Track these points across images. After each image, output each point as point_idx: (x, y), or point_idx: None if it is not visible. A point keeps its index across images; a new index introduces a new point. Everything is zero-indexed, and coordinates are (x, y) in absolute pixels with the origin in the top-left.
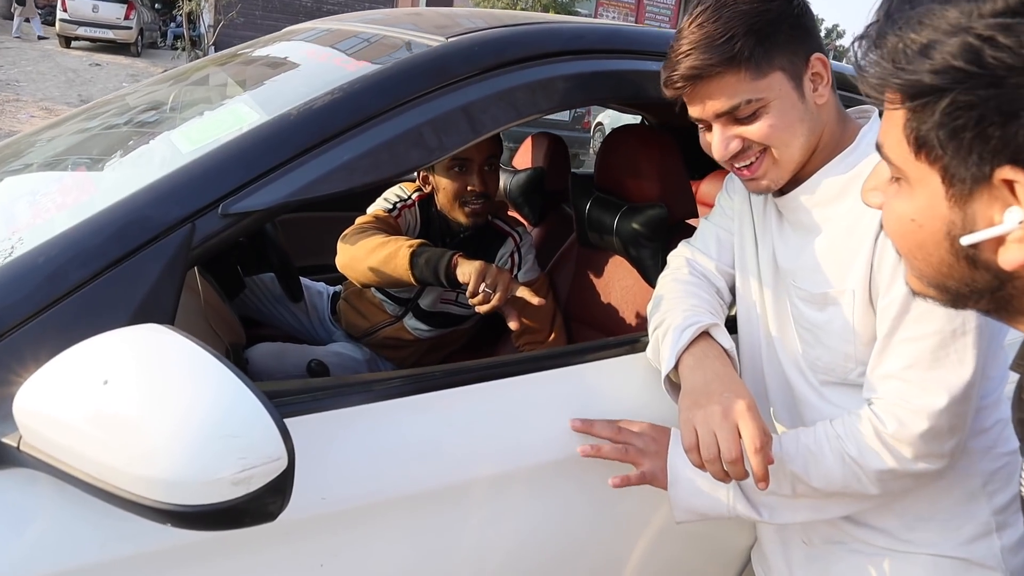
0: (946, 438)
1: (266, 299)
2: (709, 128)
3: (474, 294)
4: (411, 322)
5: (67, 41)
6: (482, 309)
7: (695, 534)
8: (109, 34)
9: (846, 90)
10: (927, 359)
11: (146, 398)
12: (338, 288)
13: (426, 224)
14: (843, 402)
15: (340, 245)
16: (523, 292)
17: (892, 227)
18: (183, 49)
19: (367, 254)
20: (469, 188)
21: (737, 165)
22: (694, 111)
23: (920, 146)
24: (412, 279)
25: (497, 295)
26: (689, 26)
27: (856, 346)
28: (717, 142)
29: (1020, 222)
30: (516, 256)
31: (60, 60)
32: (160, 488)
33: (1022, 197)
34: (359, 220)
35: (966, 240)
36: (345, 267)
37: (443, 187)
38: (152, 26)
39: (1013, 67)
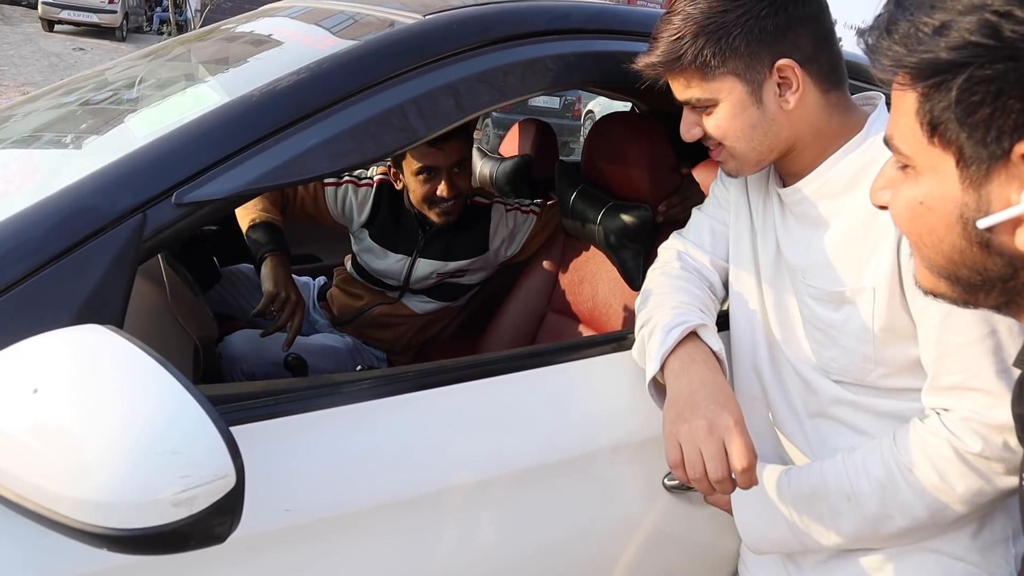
0: None
1: (243, 290)
2: None
3: (264, 311)
4: (411, 299)
5: (50, 25)
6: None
7: (684, 539)
8: (93, 18)
9: (855, 78)
10: (991, 364)
11: (78, 408)
12: (321, 279)
13: (393, 211)
14: (867, 401)
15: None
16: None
17: (900, 212)
18: (169, 34)
19: (242, 212)
20: (439, 194)
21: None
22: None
23: (934, 128)
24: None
25: (283, 319)
26: (663, 17)
27: (875, 347)
28: (682, 125)
29: None
30: (515, 212)
31: (43, 44)
32: (92, 510)
33: None
34: None
35: (983, 223)
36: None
37: (412, 189)
38: (138, 10)
39: None
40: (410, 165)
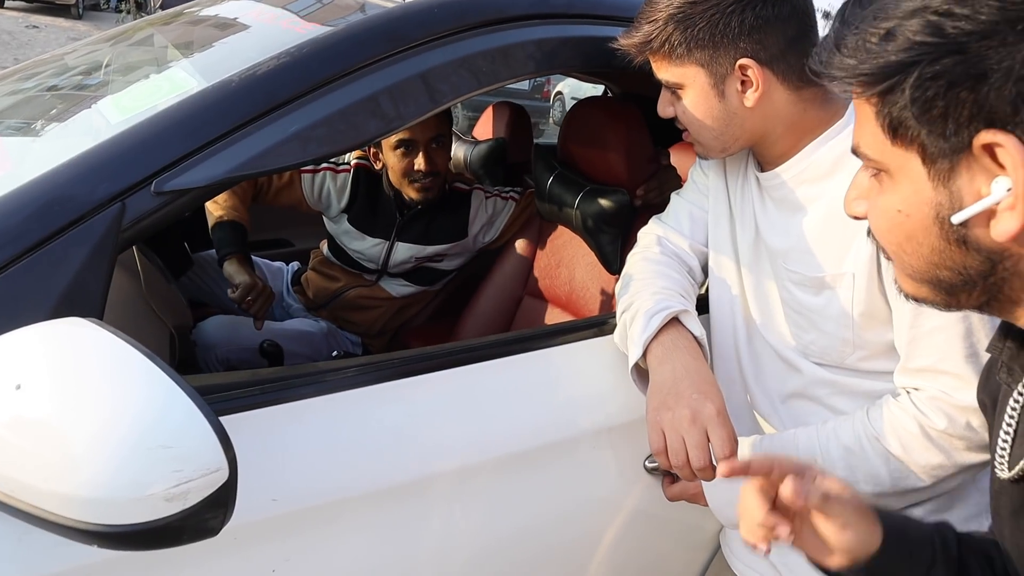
0: None
1: (216, 276)
2: None
3: (242, 300)
4: (388, 283)
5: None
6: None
7: (666, 519)
8: None
9: None
10: (960, 348)
11: (64, 404)
12: (295, 265)
13: (371, 195)
14: (846, 382)
15: None
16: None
17: (879, 223)
18: (128, 12)
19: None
20: (416, 168)
21: None
22: None
23: (895, 130)
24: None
25: (259, 307)
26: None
27: (855, 331)
28: (659, 102)
29: (1008, 189)
30: (495, 198)
31: None
32: (82, 506)
33: (1005, 162)
34: None
35: (957, 218)
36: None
37: (391, 165)
38: None
39: (972, 32)
40: (388, 140)
